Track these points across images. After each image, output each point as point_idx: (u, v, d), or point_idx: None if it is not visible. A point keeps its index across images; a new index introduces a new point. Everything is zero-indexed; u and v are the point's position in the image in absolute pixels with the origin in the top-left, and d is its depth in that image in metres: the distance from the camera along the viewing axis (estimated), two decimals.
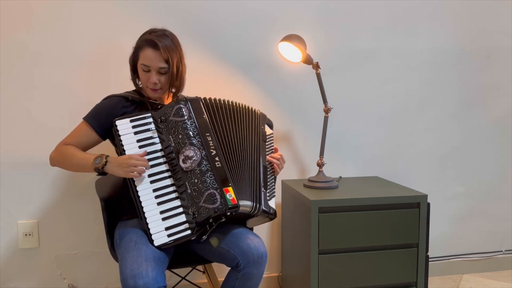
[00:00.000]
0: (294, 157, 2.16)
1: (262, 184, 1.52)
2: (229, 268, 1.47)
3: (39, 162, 1.90)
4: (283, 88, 2.11)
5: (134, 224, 1.48)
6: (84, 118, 1.57)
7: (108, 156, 1.44)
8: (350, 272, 1.73)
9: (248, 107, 1.63)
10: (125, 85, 1.69)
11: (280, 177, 2.13)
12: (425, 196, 1.76)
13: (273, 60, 2.07)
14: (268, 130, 1.68)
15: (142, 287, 1.25)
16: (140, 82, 1.61)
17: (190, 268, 1.99)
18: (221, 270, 2.06)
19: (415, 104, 2.25)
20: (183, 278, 1.82)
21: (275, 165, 1.61)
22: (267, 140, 1.64)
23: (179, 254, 1.58)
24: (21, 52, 1.85)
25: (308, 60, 1.88)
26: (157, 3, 1.94)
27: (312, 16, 2.09)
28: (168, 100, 1.67)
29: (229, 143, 1.51)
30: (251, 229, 1.68)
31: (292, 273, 1.98)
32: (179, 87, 1.61)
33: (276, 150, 1.67)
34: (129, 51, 1.95)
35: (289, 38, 1.83)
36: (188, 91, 1.82)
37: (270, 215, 1.53)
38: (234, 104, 1.59)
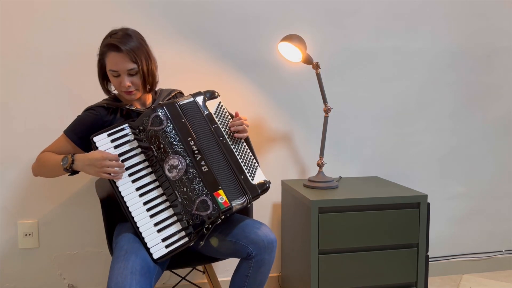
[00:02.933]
0: (294, 157, 2.16)
1: (236, 171, 1.46)
2: (231, 266, 1.47)
3: None
4: (283, 88, 2.11)
5: (130, 227, 1.46)
6: (64, 131, 1.54)
7: (74, 154, 1.43)
8: (350, 272, 1.73)
9: (187, 98, 1.51)
10: None
11: (280, 177, 2.13)
12: (425, 196, 1.76)
13: (273, 60, 2.07)
14: (212, 105, 1.54)
15: None
16: (113, 88, 1.59)
17: (190, 268, 1.99)
18: (221, 270, 2.06)
19: (415, 104, 2.25)
20: (183, 278, 1.82)
21: (240, 133, 1.52)
22: (219, 118, 1.53)
23: (180, 254, 1.57)
24: (21, 52, 1.85)
25: (308, 60, 1.88)
26: (157, 3, 1.94)
27: (312, 16, 2.09)
28: (147, 99, 1.63)
29: (205, 141, 1.46)
30: (247, 213, 1.66)
31: (292, 273, 1.98)
32: (153, 84, 1.56)
33: (236, 115, 1.56)
34: None
35: (289, 38, 1.83)
36: (187, 92, 1.81)
37: (263, 192, 1.48)
38: (188, 99, 1.51)
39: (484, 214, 2.38)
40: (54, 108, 1.90)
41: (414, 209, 1.76)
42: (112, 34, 1.49)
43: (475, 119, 2.32)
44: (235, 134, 1.52)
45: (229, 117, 1.56)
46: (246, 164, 1.50)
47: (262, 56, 2.06)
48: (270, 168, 2.12)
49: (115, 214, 1.60)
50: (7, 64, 1.85)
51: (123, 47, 1.44)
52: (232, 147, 1.50)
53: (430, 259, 2.23)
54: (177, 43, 1.98)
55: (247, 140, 1.58)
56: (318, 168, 1.94)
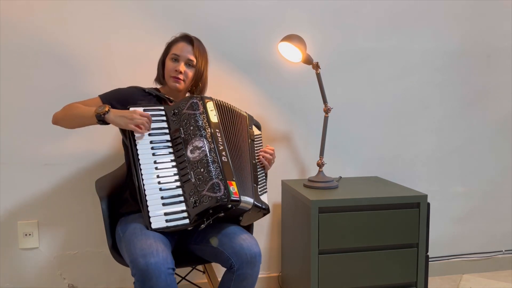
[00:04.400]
0: (294, 157, 2.16)
1: (252, 179, 1.56)
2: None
3: (39, 162, 1.90)
4: (283, 88, 2.11)
5: (135, 219, 1.49)
6: (99, 95, 1.60)
7: (110, 107, 1.48)
8: (350, 272, 1.73)
9: (240, 110, 1.68)
10: (126, 84, 1.70)
11: (280, 177, 2.13)
12: (425, 196, 1.76)
13: (273, 60, 2.07)
14: (256, 131, 1.73)
15: (153, 266, 1.23)
16: (163, 79, 1.67)
17: (190, 268, 1.99)
18: (221, 270, 2.06)
19: (415, 104, 2.25)
20: (183, 278, 1.82)
21: (265, 160, 1.67)
22: (256, 139, 1.70)
23: (179, 254, 1.57)
24: (21, 52, 1.85)
25: (308, 60, 1.88)
26: (158, 3, 1.94)
27: (312, 16, 2.09)
28: None
29: (232, 142, 1.56)
30: (248, 227, 1.68)
31: (292, 273, 1.98)
32: (201, 91, 1.69)
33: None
34: (129, 51, 1.96)
35: (289, 38, 1.83)
36: None
37: (262, 210, 1.54)
38: (233, 107, 1.66)
39: (484, 214, 2.38)
40: (55, 108, 1.90)
41: (414, 209, 1.76)
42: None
43: (475, 119, 2.32)
44: (262, 160, 1.66)
45: (262, 147, 1.73)
46: (260, 183, 1.61)
47: (262, 56, 2.06)
48: (270, 168, 2.12)
49: (116, 211, 1.60)
50: (8, 64, 1.85)
51: (194, 42, 1.64)
52: (257, 164, 1.64)
53: (430, 259, 2.23)
54: None
55: (266, 173, 1.70)
56: (318, 168, 1.94)
